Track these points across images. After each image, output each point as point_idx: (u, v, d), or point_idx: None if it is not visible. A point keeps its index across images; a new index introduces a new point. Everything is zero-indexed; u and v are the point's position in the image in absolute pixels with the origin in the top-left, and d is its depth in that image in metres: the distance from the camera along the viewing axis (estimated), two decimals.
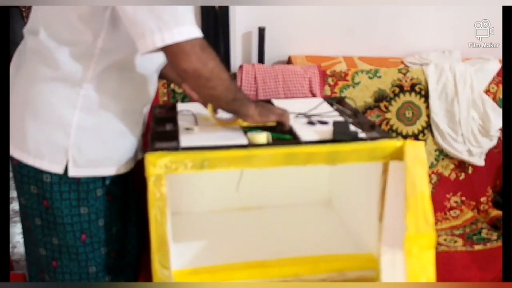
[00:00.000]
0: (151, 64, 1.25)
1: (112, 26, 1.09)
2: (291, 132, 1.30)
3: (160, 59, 1.24)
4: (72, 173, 1.16)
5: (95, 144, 1.17)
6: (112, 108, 1.18)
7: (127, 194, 1.31)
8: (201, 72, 1.08)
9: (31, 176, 1.17)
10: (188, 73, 1.08)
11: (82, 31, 1.09)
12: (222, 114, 1.35)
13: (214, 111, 1.34)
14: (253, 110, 1.24)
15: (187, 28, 1.04)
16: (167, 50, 1.05)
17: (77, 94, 1.13)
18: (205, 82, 1.11)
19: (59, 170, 1.15)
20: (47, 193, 1.17)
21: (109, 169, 1.21)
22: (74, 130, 1.14)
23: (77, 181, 1.17)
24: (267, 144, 1.21)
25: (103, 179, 1.20)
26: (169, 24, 1.01)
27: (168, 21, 1.01)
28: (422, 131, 2.00)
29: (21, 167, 1.18)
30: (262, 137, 1.22)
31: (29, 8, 4.09)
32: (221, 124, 1.35)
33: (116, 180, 1.23)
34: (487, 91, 2.01)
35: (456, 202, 2.03)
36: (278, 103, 1.60)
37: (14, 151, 1.17)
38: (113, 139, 1.20)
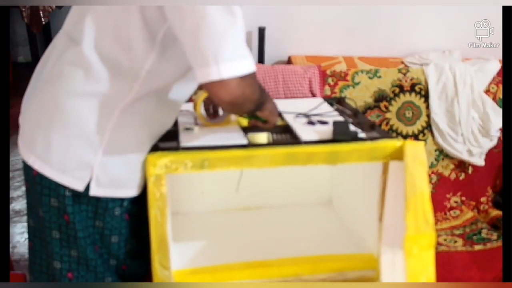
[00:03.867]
0: (186, 91, 1.21)
1: (164, 48, 1.04)
2: (289, 131, 1.30)
3: (194, 86, 1.21)
4: (93, 192, 1.11)
5: (121, 165, 1.12)
6: (142, 131, 1.14)
7: (143, 211, 1.27)
8: (236, 101, 1.02)
9: (52, 188, 1.12)
10: (225, 103, 1.03)
11: (132, 49, 1.03)
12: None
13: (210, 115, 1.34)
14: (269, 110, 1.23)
15: (244, 62, 0.99)
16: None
17: (112, 114, 1.08)
18: (237, 107, 1.06)
19: (80, 187, 1.10)
20: (69, 208, 1.12)
21: (131, 191, 1.16)
22: (103, 149, 1.09)
23: (97, 199, 1.13)
24: (267, 144, 1.21)
25: (123, 199, 1.17)
26: (228, 57, 0.96)
27: (227, 54, 0.96)
28: (422, 131, 2.00)
29: (42, 178, 1.12)
30: (262, 137, 1.22)
31: (29, 8, 4.09)
32: (210, 125, 1.34)
33: (135, 200, 1.19)
34: (487, 91, 2.01)
35: (456, 202, 2.04)
36: (278, 103, 1.60)
37: (35, 162, 1.11)
38: (137, 162, 1.15)
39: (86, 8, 1.07)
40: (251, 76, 1.02)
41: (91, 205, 1.14)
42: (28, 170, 1.14)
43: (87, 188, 1.11)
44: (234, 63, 0.97)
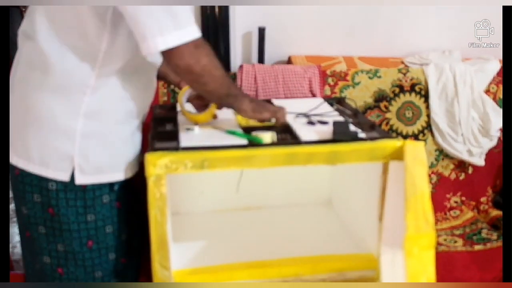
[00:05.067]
0: (152, 65, 1.24)
1: (115, 27, 1.07)
2: (289, 131, 1.30)
3: (160, 60, 1.24)
4: (79, 181, 1.13)
5: (101, 150, 1.15)
6: (116, 113, 1.16)
7: (133, 198, 1.29)
8: (193, 68, 1.08)
9: (34, 184, 1.15)
10: (180, 68, 1.09)
11: (85, 34, 1.06)
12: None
13: (203, 106, 1.34)
14: (247, 105, 1.23)
15: (188, 30, 1.04)
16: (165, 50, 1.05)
17: (81, 101, 1.10)
18: (197, 78, 1.11)
19: (65, 178, 1.13)
20: (53, 201, 1.15)
21: (116, 175, 1.19)
22: (79, 137, 1.12)
23: (83, 188, 1.15)
24: (267, 144, 1.21)
25: (110, 185, 1.18)
26: (170, 27, 1.01)
27: (169, 24, 1.01)
28: (422, 131, 2.00)
29: (23, 176, 1.15)
30: (266, 136, 1.22)
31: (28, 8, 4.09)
32: (191, 117, 1.34)
33: (124, 185, 1.21)
34: (487, 91, 2.01)
35: (456, 202, 2.03)
36: (278, 103, 1.60)
37: (17, 161, 1.15)
38: (119, 144, 1.18)
39: (35, 5, 1.10)
40: (204, 47, 1.09)
41: (80, 199, 1.16)
42: (11, 170, 1.17)
43: (73, 179, 1.13)
44: (178, 31, 1.02)
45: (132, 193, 1.27)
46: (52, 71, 1.08)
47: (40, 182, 1.14)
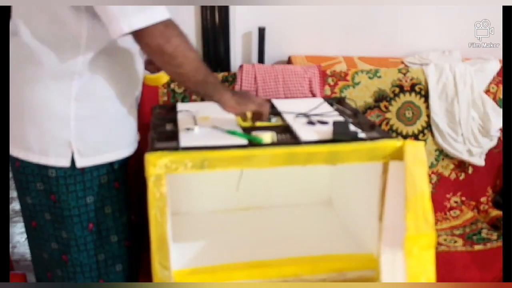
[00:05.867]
0: (134, 44, 1.24)
1: (92, 13, 1.08)
2: (289, 131, 1.30)
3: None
4: (79, 164, 1.16)
5: (97, 131, 1.18)
6: (107, 93, 1.18)
7: (133, 180, 1.33)
8: (164, 48, 1.06)
9: (35, 174, 1.18)
10: (151, 48, 1.07)
11: (65, 22, 1.08)
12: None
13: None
14: (230, 98, 1.22)
15: (154, 11, 1.04)
16: (133, 32, 1.06)
17: (70, 86, 1.13)
18: (170, 59, 1.09)
19: (66, 163, 1.16)
20: (54, 187, 1.18)
21: (114, 154, 1.22)
22: (74, 121, 1.14)
23: (82, 171, 1.18)
24: (267, 144, 1.21)
25: (109, 165, 1.22)
26: (134, 9, 1.02)
27: (133, 7, 1.02)
28: (422, 131, 2.00)
29: (24, 167, 1.18)
30: (266, 136, 1.22)
31: None
32: (149, 80, 1.35)
33: (122, 164, 1.24)
34: (487, 91, 2.01)
35: (456, 202, 2.04)
36: (278, 103, 1.60)
37: (18, 152, 1.18)
38: (113, 123, 1.21)
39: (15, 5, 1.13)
40: (175, 27, 1.08)
41: (79, 183, 1.18)
42: (12, 163, 1.20)
43: (72, 164, 1.16)
44: (142, 13, 1.02)
45: (130, 174, 1.29)
46: (39, 62, 1.11)
47: (41, 170, 1.17)
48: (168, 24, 1.07)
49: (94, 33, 1.10)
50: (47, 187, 1.19)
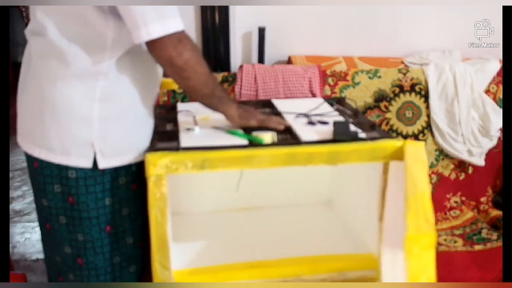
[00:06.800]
0: None
1: (116, 15, 1.09)
2: (289, 131, 1.30)
3: None
4: (102, 165, 1.16)
5: (120, 132, 1.17)
6: (130, 94, 1.18)
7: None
8: (174, 60, 1.10)
9: (54, 175, 1.17)
10: (162, 60, 1.11)
11: (92, 23, 1.09)
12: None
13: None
14: (234, 111, 1.26)
15: (171, 22, 1.06)
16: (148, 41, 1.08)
17: (94, 87, 1.13)
18: (179, 72, 1.12)
19: (88, 164, 1.15)
20: (73, 189, 1.17)
21: (136, 155, 1.21)
22: (97, 122, 1.14)
23: (102, 172, 1.17)
24: (268, 144, 1.21)
25: (127, 167, 1.21)
26: (153, 18, 1.04)
27: (152, 16, 1.04)
28: (422, 131, 2.00)
29: (43, 168, 1.17)
30: (267, 136, 1.22)
31: (28, 8, 4.09)
32: (165, 84, 1.37)
33: (139, 165, 1.23)
34: (487, 91, 2.01)
35: (456, 202, 2.04)
36: (278, 103, 1.60)
37: (40, 152, 1.16)
38: (135, 124, 1.21)
39: (35, 6, 1.13)
40: (188, 41, 1.11)
41: (99, 184, 1.18)
42: (30, 163, 1.20)
43: (94, 166, 1.15)
44: (161, 23, 1.05)
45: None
46: (66, 61, 1.10)
47: (60, 171, 1.16)
48: (182, 38, 1.10)
49: (120, 34, 1.11)
50: (65, 189, 1.17)
